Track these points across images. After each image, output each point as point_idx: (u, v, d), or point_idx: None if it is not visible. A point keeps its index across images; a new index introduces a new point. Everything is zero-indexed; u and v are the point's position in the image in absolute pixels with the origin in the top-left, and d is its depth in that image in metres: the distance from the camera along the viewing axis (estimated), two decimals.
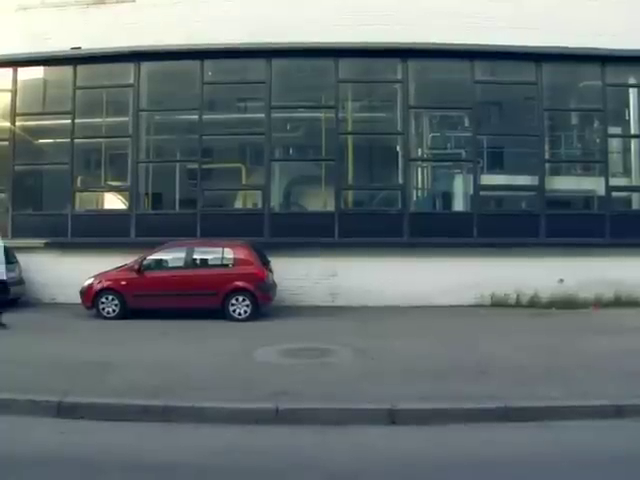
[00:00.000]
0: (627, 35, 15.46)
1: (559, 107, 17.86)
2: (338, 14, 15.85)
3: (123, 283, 14.17)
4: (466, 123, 17.68)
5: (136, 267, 14.26)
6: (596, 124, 17.88)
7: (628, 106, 17.44)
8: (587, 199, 17.89)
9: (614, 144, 17.64)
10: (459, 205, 17.60)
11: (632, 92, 17.44)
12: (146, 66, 16.92)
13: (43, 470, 5.75)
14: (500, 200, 18.29)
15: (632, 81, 17.49)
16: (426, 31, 15.65)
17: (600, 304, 15.32)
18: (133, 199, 16.96)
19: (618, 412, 7.18)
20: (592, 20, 15.57)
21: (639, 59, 16.25)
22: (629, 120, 17.55)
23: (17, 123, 17.34)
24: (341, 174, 16.91)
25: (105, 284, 14.26)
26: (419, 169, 18.12)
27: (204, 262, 14.78)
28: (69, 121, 16.99)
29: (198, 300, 13.82)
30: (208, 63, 16.83)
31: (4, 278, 13.82)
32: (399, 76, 16.83)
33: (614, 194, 16.86)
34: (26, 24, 16.64)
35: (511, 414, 7.12)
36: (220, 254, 14.56)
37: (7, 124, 17.29)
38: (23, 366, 8.96)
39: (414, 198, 17.61)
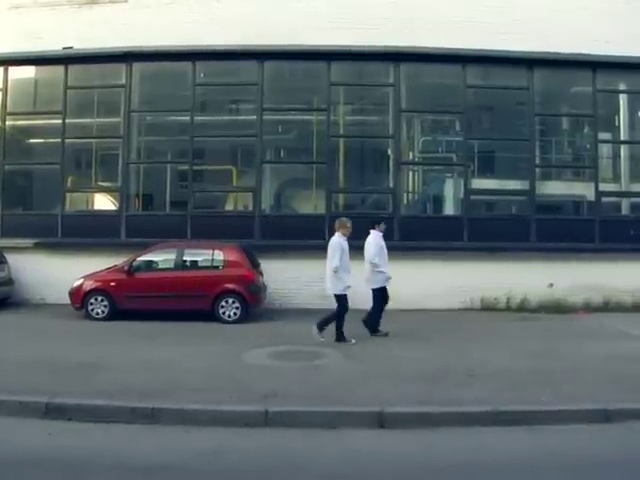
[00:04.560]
0: (618, 42, 15.52)
1: (550, 112, 17.92)
2: (331, 17, 15.83)
3: (113, 284, 14.11)
4: (457, 127, 17.72)
5: (126, 268, 14.21)
6: (586, 130, 17.97)
7: (618, 112, 17.54)
8: (577, 204, 17.94)
9: (604, 150, 17.73)
10: (450, 209, 17.64)
11: (622, 98, 17.54)
12: (138, 67, 16.86)
13: (30, 471, 5.73)
14: (491, 204, 18.33)
15: (622, 87, 17.58)
16: (418, 35, 15.66)
17: (588, 309, 15.38)
18: (124, 200, 16.89)
19: (606, 416, 7.22)
20: (583, 26, 15.63)
21: (629, 65, 16.33)
22: (619, 126, 17.67)
23: (7, 122, 17.25)
24: (332, 177, 16.92)
25: (94, 285, 14.20)
26: (410, 173, 18.13)
27: (194, 264, 14.76)
28: (60, 121, 16.89)
29: (188, 302, 13.79)
30: (200, 64, 16.79)
31: None
32: (391, 80, 16.85)
33: (604, 199, 16.91)
34: (18, 23, 16.55)
35: (500, 418, 7.14)
36: (210, 256, 14.54)
37: None
38: (11, 366, 8.93)
39: (405, 201, 17.64)
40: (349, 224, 11.74)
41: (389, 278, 12.23)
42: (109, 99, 17.45)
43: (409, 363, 9.70)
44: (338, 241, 11.54)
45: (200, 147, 17.65)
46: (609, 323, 13.53)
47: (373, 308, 12.25)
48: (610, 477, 5.76)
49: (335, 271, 11.39)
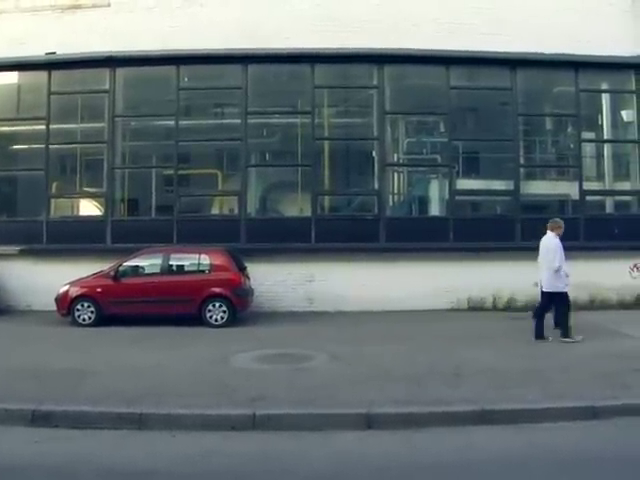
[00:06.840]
0: (600, 42, 15.67)
1: (534, 112, 18.03)
2: (314, 20, 15.86)
3: (99, 290, 14.04)
4: (442, 128, 17.76)
5: (112, 274, 14.14)
6: (570, 129, 18.09)
7: (601, 111, 17.67)
8: (561, 203, 18.03)
9: (587, 149, 17.85)
10: (435, 210, 17.66)
11: (605, 98, 17.67)
12: (121, 71, 16.78)
13: (17, 479, 5.69)
14: (476, 205, 18.39)
15: (605, 87, 17.72)
16: (402, 37, 15.71)
17: (574, 307, 15.42)
18: (109, 205, 16.80)
19: (594, 413, 7.26)
20: (566, 27, 15.75)
21: (612, 65, 16.52)
22: (602, 125, 17.81)
23: None
24: (317, 179, 16.91)
25: (81, 291, 14.12)
26: (395, 174, 18.14)
27: (180, 268, 14.71)
28: (44, 127, 16.79)
29: (175, 306, 13.75)
30: (184, 69, 16.75)
31: None
32: (375, 82, 16.88)
33: (588, 198, 17.04)
34: (0, 29, 16.48)
35: (487, 417, 7.17)
36: (196, 260, 14.50)
37: None
38: None
39: (390, 203, 17.63)
40: (562, 224, 12.27)
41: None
42: (93, 104, 17.36)
43: (396, 364, 9.71)
44: (557, 241, 11.89)
45: (185, 151, 17.59)
46: (595, 321, 13.59)
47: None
48: (600, 473, 5.78)
49: (557, 270, 11.67)
